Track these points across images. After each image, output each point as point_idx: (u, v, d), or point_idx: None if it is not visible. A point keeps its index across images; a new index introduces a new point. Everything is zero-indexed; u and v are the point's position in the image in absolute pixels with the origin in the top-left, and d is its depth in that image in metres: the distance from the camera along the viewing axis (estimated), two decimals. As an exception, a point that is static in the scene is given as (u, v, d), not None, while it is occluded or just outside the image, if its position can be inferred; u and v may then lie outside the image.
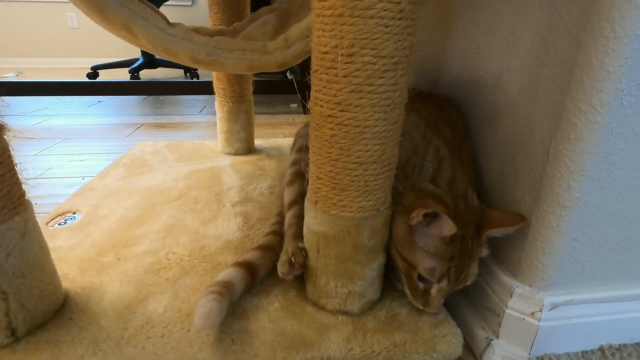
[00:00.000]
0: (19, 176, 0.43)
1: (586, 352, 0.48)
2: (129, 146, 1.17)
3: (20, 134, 1.32)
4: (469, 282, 0.46)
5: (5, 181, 0.40)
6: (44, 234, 0.46)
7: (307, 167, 0.47)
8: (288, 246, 0.50)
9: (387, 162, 0.43)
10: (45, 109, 1.77)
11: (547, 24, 0.41)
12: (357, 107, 0.39)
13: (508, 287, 0.46)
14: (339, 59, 0.37)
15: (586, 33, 0.36)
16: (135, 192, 0.81)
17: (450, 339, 0.46)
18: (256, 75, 1.12)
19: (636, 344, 0.49)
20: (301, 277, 0.51)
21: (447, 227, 0.41)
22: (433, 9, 0.69)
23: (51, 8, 3.19)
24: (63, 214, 0.73)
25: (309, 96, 0.43)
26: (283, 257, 0.49)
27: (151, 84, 1.97)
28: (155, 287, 0.53)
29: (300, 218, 0.53)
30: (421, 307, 0.47)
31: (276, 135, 1.43)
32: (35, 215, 0.45)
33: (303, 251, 0.49)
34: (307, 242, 0.49)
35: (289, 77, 1.73)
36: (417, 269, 0.45)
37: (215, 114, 1.06)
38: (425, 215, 0.43)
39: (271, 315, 0.48)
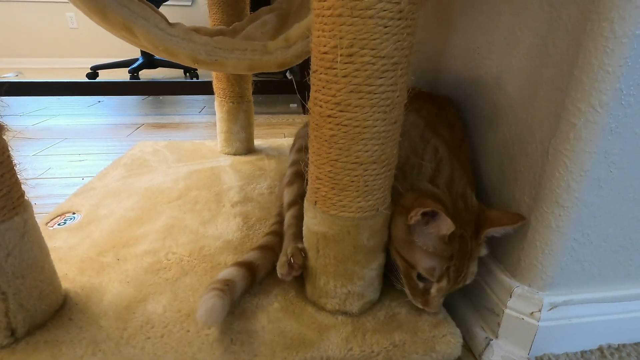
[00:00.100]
0: (19, 176, 0.43)
1: (585, 352, 0.48)
2: (128, 146, 1.17)
3: (20, 134, 1.32)
4: (468, 282, 0.46)
5: (5, 181, 0.40)
6: (43, 234, 0.46)
7: (307, 167, 0.47)
8: (287, 247, 0.50)
9: (387, 163, 0.43)
10: (44, 109, 1.77)
11: (547, 24, 0.41)
12: (356, 107, 0.39)
13: (507, 287, 0.46)
14: (339, 59, 0.37)
15: (585, 33, 0.36)
16: (135, 192, 0.81)
17: (450, 339, 0.46)
18: (256, 75, 1.12)
19: (635, 344, 0.49)
20: (301, 278, 0.51)
21: (446, 225, 0.41)
22: (433, 9, 0.69)
23: (51, 8, 3.19)
24: (63, 214, 0.73)
25: (309, 96, 0.43)
26: (282, 258, 0.49)
27: (151, 84, 1.98)
28: (154, 288, 0.53)
29: (299, 218, 0.53)
30: (421, 307, 0.47)
31: (276, 135, 1.43)
32: (35, 215, 0.45)
33: (302, 252, 0.49)
34: (307, 242, 0.49)
35: (289, 77, 1.73)
36: (416, 269, 0.45)
37: (215, 114, 1.06)
38: (424, 215, 0.43)
39: (271, 316, 0.48)
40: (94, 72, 2.45)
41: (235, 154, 1.07)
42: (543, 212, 0.42)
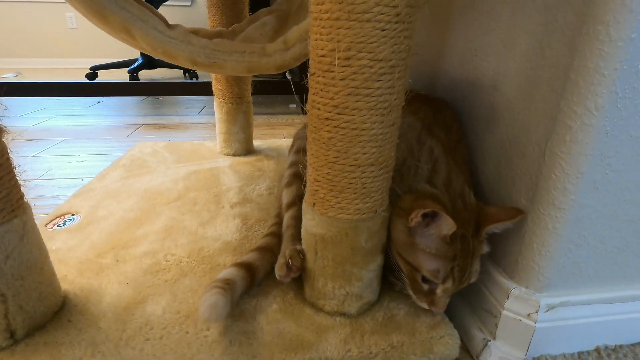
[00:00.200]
0: (18, 178, 0.43)
1: (582, 353, 0.48)
2: (128, 147, 1.17)
3: (19, 136, 1.32)
4: (473, 280, 0.46)
5: (4, 184, 0.40)
6: (43, 236, 0.47)
7: (305, 169, 0.47)
8: (286, 249, 0.51)
9: (385, 165, 0.43)
10: (44, 110, 1.77)
11: (543, 27, 0.42)
12: (354, 109, 0.39)
13: (505, 288, 0.47)
14: (336, 62, 0.37)
15: (581, 36, 0.36)
16: (134, 193, 0.81)
17: (448, 341, 0.46)
18: (255, 75, 1.12)
19: (632, 344, 0.49)
20: (299, 279, 0.52)
21: (447, 225, 0.41)
22: (431, 11, 0.69)
23: (50, 8, 3.19)
24: (62, 215, 0.73)
25: (307, 98, 0.43)
26: (281, 260, 0.49)
27: (150, 84, 1.98)
28: (153, 289, 0.53)
29: (298, 219, 0.53)
30: (427, 307, 0.47)
31: (275, 136, 1.43)
32: (34, 216, 0.45)
33: (300, 254, 0.49)
34: (305, 243, 0.49)
35: (288, 77, 1.73)
36: (420, 272, 0.45)
37: (214, 115, 1.06)
38: (424, 216, 0.43)
39: (269, 317, 0.48)
40: (93, 73, 2.45)
41: (234, 155, 1.07)
42: (540, 214, 0.43)
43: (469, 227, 0.45)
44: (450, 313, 0.51)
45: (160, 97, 2.15)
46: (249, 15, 0.83)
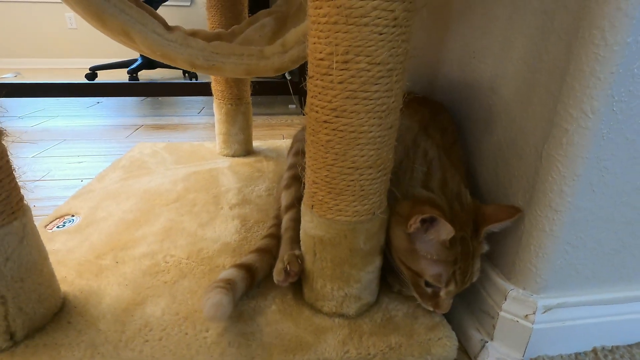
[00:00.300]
0: (17, 180, 0.43)
1: (579, 354, 0.48)
2: (127, 148, 1.17)
3: (19, 137, 1.32)
4: (474, 279, 0.47)
5: (4, 186, 0.40)
6: (42, 237, 0.47)
7: (304, 171, 0.47)
8: (284, 254, 0.51)
9: (383, 167, 0.43)
10: (43, 110, 1.77)
11: (540, 31, 0.42)
12: (352, 113, 0.39)
13: (502, 290, 0.47)
14: (334, 65, 0.37)
15: (577, 40, 0.36)
16: (134, 194, 0.82)
17: (445, 342, 0.46)
18: (255, 76, 1.13)
19: (629, 345, 0.50)
20: (298, 281, 0.52)
21: (445, 230, 0.42)
22: (429, 14, 0.69)
23: (50, 9, 3.19)
24: (61, 216, 0.73)
25: (305, 101, 0.43)
26: (279, 265, 0.50)
27: (150, 85, 1.98)
28: (153, 290, 0.53)
29: (297, 221, 0.54)
30: (431, 309, 0.48)
31: (274, 137, 1.43)
32: (34, 218, 0.45)
33: (299, 259, 0.49)
34: (304, 245, 0.49)
35: (288, 78, 1.73)
36: (423, 277, 0.46)
37: (214, 116, 1.06)
38: (423, 222, 0.43)
39: (268, 318, 0.49)
40: (92, 73, 2.45)
41: (233, 156, 1.07)
42: (537, 216, 0.43)
43: (467, 228, 0.45)
44: (449, 314, 0.51)
45: (160, 98, 2.15)
46: (248, 16, 0.83)
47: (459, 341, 0.48)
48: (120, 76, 2.45)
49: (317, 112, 0.41)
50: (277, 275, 0.49)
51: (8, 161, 0.42)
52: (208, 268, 0.58)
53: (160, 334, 0.46)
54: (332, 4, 0.35)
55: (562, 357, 0.48)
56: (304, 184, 0.48)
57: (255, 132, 1.15)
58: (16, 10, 3.15)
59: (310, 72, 0.41)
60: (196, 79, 2.68)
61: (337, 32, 0.36)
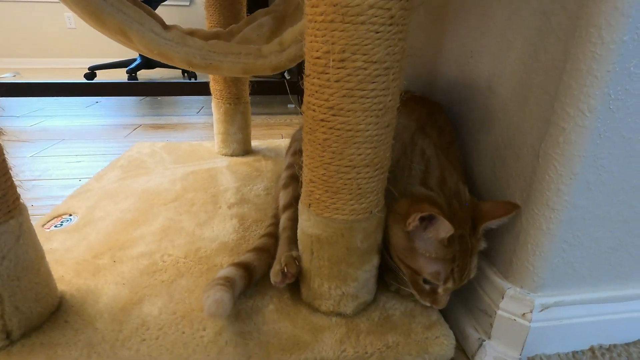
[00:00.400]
0: (14, 179, 0.43)
1: (577, 352, 0.49)
2: (126, 147, 1.17)
3: (17, 136, 1.32)
4: (472, 276, 0.47)
5: (0, 185, 0.40)
6: (40, 236, 0.47)
7: (301, 170, 0.47)
8: (282, 254, 0.51)
9: (380, 166, 0.43)
10: (42, 110, 1.77)
11: (538, 30, 0.42)
12: (349, 111, 0.39)
13: (499, 288, 0.47)
14: (331, 64, 0.37)
15: (574, 39, 0.36)
16: (132, 193, 0.82)
17: (443, 341, 0.46)
18: (254, 75, 1.12)
19: (626, 344, 0.50)
20: (296, 279, 0.52)
21: (444, 229, 0.42)
22: (428, 13, 0.69)
23: (49, 8, 3.19)
24: (59, 216, 0.73)
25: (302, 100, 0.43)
26: (276, 267, 0.50)
27: (149, 84, 1.98)
28: (150, 289, 0.53)
29: (295, 221, 0.53)
30: (429, 305, 0.48)
31: (273, 136, 1.43)
32: (32, 217, 0.45)
33: (296, 261, 0.49)
34: (301, 244, 0.49)
35: (287, 78, 1.73)
36: (421, 275, 0.46)
37: (213, 115, 1.06)
38: (422, 220, 0.43)
39: (266, 317, 0.49)
40: (91, 73, 2.44)
41: (232, 155, 1.07)
42: (534, 215, 0.43)
43: (466, 226, 0.45)
44: (446, 313, 0.51)
45: (159, 98, 2.15)
46: (247, 16, 0.83)
47: (457, 340, 0.48)
48: (119, 76, 2.44)
49: (314, 110, 0.41)
50: (274, 277, 0.49)
51: (4, 160, 0.42)
52: (206, 267, 0.58)
53: (158, 333, 0.46)
54: (329, 2, 0.35)
55: (559, 355, 0.48)
56: (302, 182, 0.48)
57: (254, 132, 1.15)
58: (15, 9, 3.15)
59: (307, 71, 0.41)
60: (195, 79, 2.68)
61: (334, 30, 0.36)
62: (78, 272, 0.56)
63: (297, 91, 1.76)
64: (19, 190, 0.44)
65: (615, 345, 0.49)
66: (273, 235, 0.59)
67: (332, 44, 0.37)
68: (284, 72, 2.27)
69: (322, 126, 0.41)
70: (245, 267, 0.51)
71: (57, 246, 0.62)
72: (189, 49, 0.58)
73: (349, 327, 0.48)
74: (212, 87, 1.02)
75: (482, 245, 0.47)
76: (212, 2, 0.91)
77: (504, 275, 0.48)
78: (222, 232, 0.68)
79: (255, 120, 1.67)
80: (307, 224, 0.47)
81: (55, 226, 0.69)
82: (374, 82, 0.38)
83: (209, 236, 0.67)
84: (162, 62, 0.60)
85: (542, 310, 0.45)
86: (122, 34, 0.54)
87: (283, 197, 0.62)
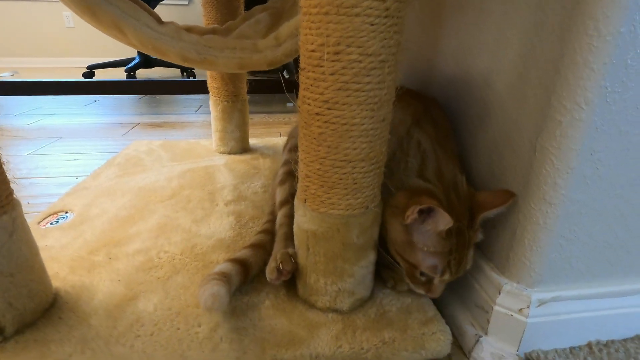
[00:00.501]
0: (7, 175, 0.43)
1: (574, 348, 0.48)
2: (123, 145, 1.16)
3: (15, 134, 1.32)
4: (468, 267, 0.47)
5: (-7, 180, 0.40)
6: (35, 234, 0.46)
7: (297, 165, 0.47)
8: (277, 252, 0.51)
9: (375, 160, 0.43)
10: (40, 108, 1.76)
11: (534, 25, 0.42)
12: (344, 105, 0.39)
13: (496, 284, 0.47)
14: (326, 57, 0.37)
15: (571, 32, 0.36)
16: (128, 191, 0.81)
17: (439, 337, 0.46)
18: (252, 74, 1.12)
19: (623, 339, 0.49)
20: (292, 276, 0.51)
21: (443, 221, 0.42)
22: (425, 8, 0.69)
23: (47, 7, 3.18)
24: (55, 213, 0.73)
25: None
26: (272, 264, 0.49)
27: (147, 83, 1.97)
28: (145, 286, 0.53)
29: (291, 217, 0.53)
30: (423, 293, 0.48)
31: (271, 135, 1.43)
32: (28, 214, 0.45)
33: (292, 258, 0.49)
34: (297, 239, 0.49)
35: (286, 77, 1.73)
36: (419, 268, 0.46)
37: (210, 113, 1.06)
38: (420, 212, 0.43)
39: (261, 313, 0.48)
40: (90, 72, 2.44)
41: (230, 153, 1.07)
42: (531, 209, 0.43)
43: (463, 219, 0.45)
44: (442, 309, 0.51)
45: (157, 96, 2.14)
46: (244, 12, 0.82)
47: (453, 336, 0.47)
48: (118, 75, 2.44)
49: (309, 104, 0.41)
50: (269, 274, 0.49)
51: (-3, 155, 0.41)
52: (202, 264, 0.58)
53: (152, 329, 0.45)
54: (323, -6, 0.35)
55: (556, 351, 0.48)
56: (297, 178, 0.47)
57: (252, 130, 1.14)
58: (14, 9, 3.14)
59: (302, 64, 0.41)
60: (194, 78, 2.68)
61: (329, 22, 0.36)
62: (73, 269, 0.55)
63: (296, 90, 1.75)
64: (13, 186, 0.43)
65: (612, 341, 0.49)
66: (270, 232, 0.59)
67: (327, 36, 0.36)
68: (283, 70, 2.26)
69: (317, 120, 0.40)
70: (241, 263, 0.51)
71: (53, 243, 0.62)
72: (184, 43, 0.57)
73: (345, 323, 0.47)
74: (210, 84, 1.02)
75: (480, 236, 0.47)
76: (210, 0, 0.91)
77: (500, 271, 0.48)
78: (219, 229, 0.68)
79: (254, 118, 1.67)
80: (302, 220, 0.46)
81: (51, 223, 0.69)
82: (369, 75, 0.37)
83: (206, 233, 0.66)
84: (156, 57, 0.59)
85: (539, 306, 0.45)
86: (116, 29, 0.54)
87: (279, 194, 0.62)
